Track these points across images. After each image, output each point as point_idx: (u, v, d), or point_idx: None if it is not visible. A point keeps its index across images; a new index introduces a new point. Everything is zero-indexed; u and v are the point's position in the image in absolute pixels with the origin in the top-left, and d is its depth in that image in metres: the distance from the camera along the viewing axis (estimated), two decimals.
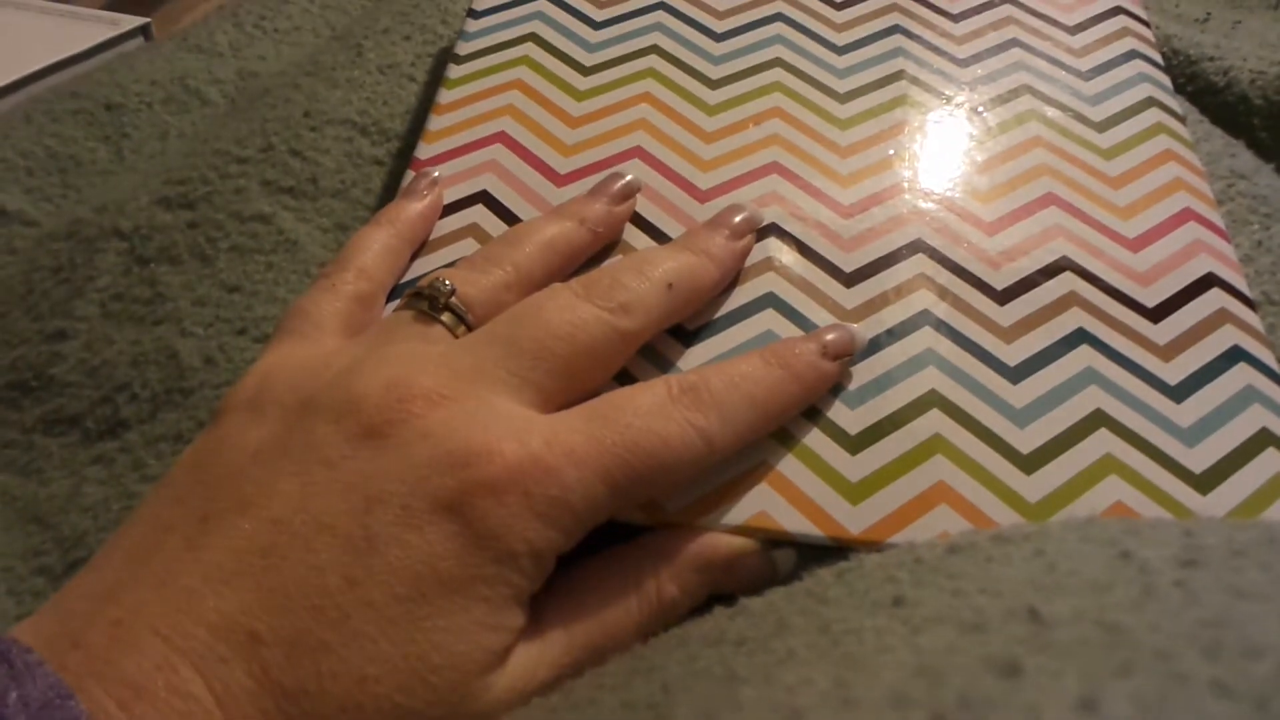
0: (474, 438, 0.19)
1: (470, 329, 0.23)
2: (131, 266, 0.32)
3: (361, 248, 0.26)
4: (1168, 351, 0.26)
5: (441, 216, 0.28)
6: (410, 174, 0.29)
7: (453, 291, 0.23)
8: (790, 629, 0.16)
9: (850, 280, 0.27)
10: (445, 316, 0.23)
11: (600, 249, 0.27)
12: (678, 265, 0.24)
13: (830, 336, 0.24)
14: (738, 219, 0.27)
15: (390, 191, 0.34)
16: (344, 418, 0.20)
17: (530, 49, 0.33)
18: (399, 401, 0.20)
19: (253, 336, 0.29)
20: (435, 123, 0.31)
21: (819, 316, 0.26)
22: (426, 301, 0.24)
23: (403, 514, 0.19)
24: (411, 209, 0.27)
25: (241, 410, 0.22)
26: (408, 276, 0.27)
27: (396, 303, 0.25)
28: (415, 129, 0.35)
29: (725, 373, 0.22)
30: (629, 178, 0.28)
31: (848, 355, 0.25)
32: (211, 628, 0.17)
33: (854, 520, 0.22)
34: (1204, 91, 0.43)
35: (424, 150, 0.30)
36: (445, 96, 0.32)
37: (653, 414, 0.21)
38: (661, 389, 0.22)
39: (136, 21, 0.56)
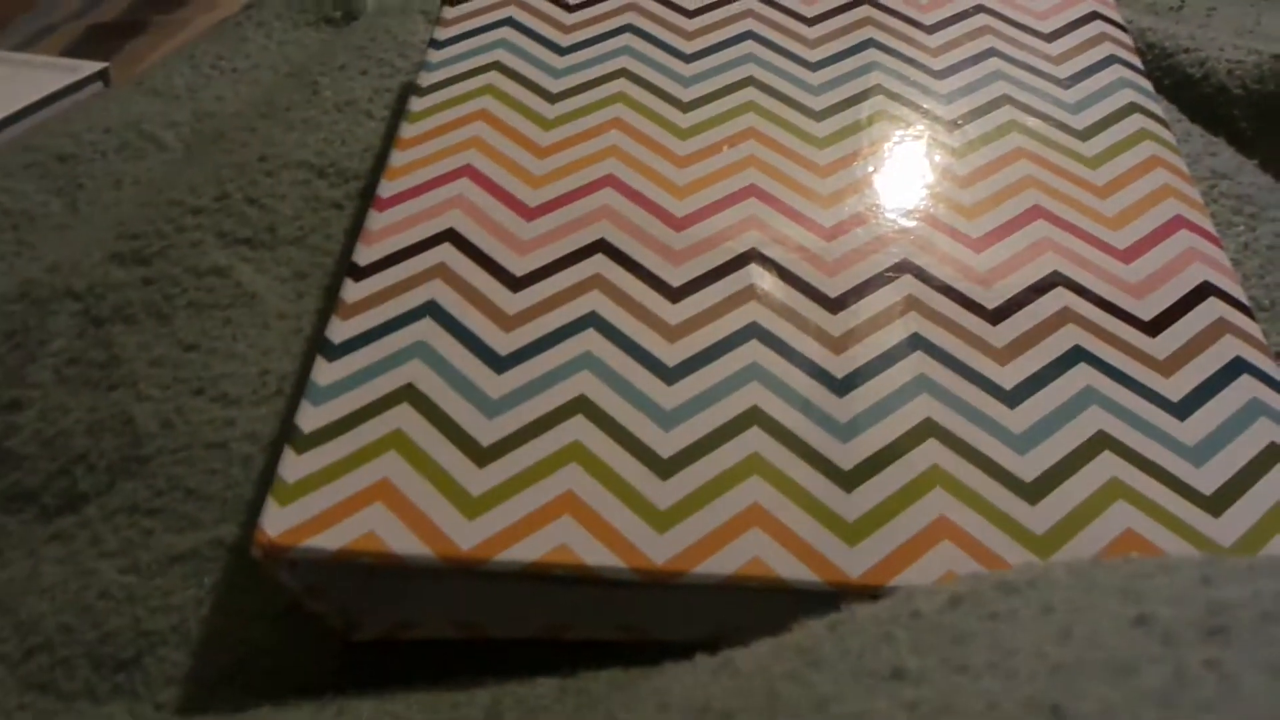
0: None
1: None
2: (86, 328, 0.31)
3: None
4: (1168, 366, 0.25)
5: (407, 257, 0.27)
6: (373, 213, 0.28)
7: None
8: (781, 702, 0.14)
9: (835, 306, 0.26)
10: None
11: None
12: None
13: None
14: None
15: (351, 236, 0.32)
16: None
17: (495, 78, 0.32)
18: None
19: (210, 396, 0.28)
20: (397, 158, 0.30)
21: (805, 346, 0.25)
22: None
23: None
24: None
25: None
26: (381, 319, 0.26)
27: None
28: (376, 168, 0.34)
29: None
30: None
31: None
32: None
33: (852, 563, 0.21)
34: (1181, 84, 0.42)
35: (386, 188, 0.29)
36: (407, 131, 0.30)
37: None
38: None
39: (94, 67, 0.55)
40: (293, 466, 0.22)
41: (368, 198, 0.33)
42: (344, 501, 0.22)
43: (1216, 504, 0.22)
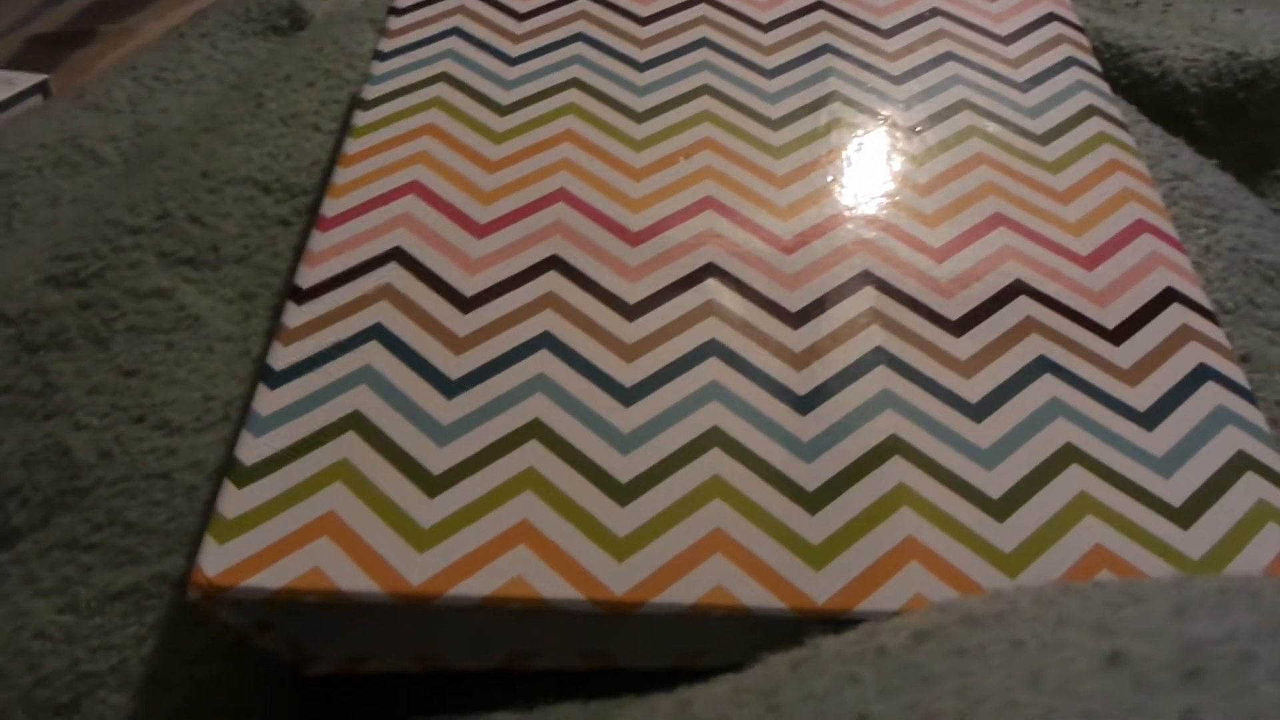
0: None
1: None
2: (20, 355, 0.29)
3: None
4: (1133, 375, 0.24)
5: (352, 279, 0.26)
6: (316, 234, 0.27)
7: None
8: None
9: (796, 321, 0.25)
10: None
11: None
12: None
13: None
14: None
15: (299, 253, 0.31)
16: None
17: (442, 90, 0.31)
18: None
19: (151, 424, 0.27)
20: (341, 175, 0.29)
21: (766, 363, 0.24)
22: None
23: None
24: None
25: None
26: (325, 344, 0.24)
27: None
28: (324, 183, 0.33)
29: None
30: None
31: None
32: None
33: (817, 588, 0.21)
34: (1139, 83, 0.42)
35: (330, 206, 0.28)
36: (352, 146, 0.29)
37: None
38: None
39: (33, 79, 0.53)
40: (232, 501, 0.21)
41: (315, 214, 0.32)
42: (287, 537, 0.21)
43: (1185, 516, 0.22)
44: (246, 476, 0.22)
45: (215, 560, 0.20)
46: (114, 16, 0.73)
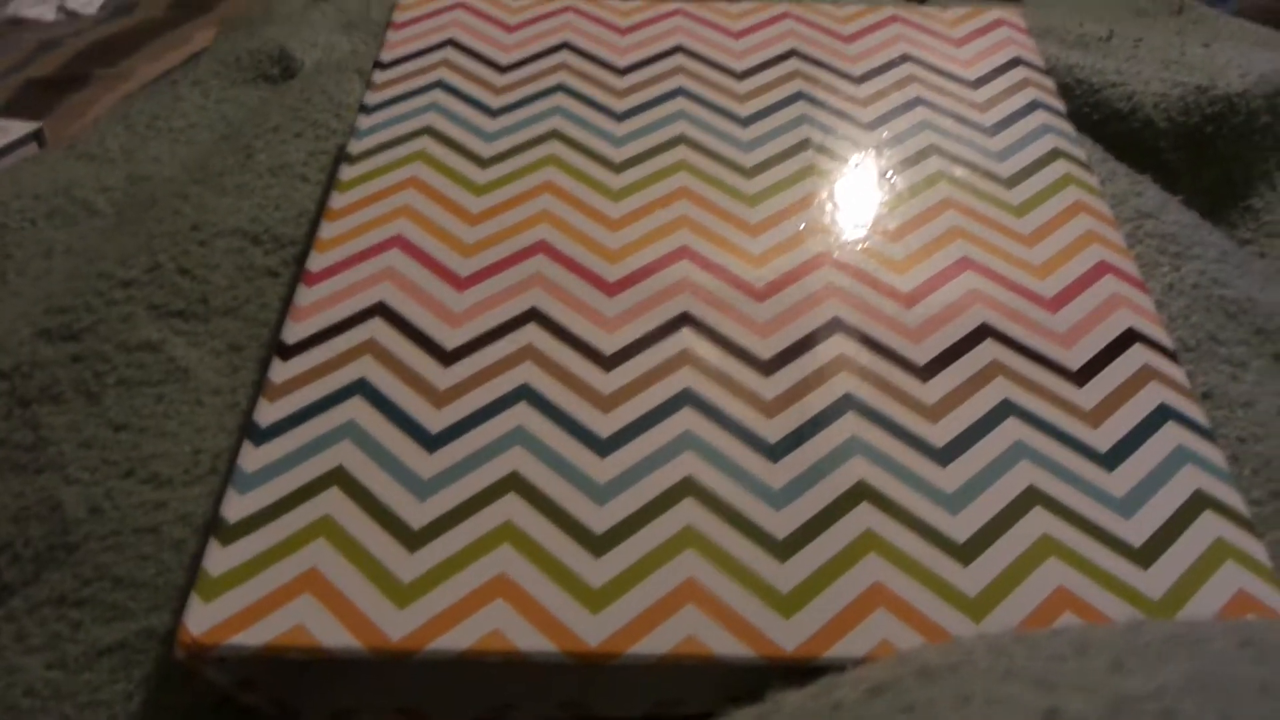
0: None
1: None
2: (12, 409, 0.30)
3: None
4: (1095, 416, 0.25)
5: (337, 334, 0.27)
6: (303, 288, 0.28)
7: None
8: None
9: (769, 368, 0.26)
10: None
11: None
12: None
13: None
14: None
15: (288, 304, 0.32)
16: None
17: (426, 143, 0.32)
18: None
19: (140, 478, 0.27)
20: (327, 230, 0.29)
21: (739, 411, 0.25)
22: None
23: None
24: None
25: None
26: (310, 399, 0.25)
27: None
28: (312, 233, 0.34)
29: None
30: None
31: None
32: None
33: (787, 636, 0.21)
34: (1110, 118, 0.43)
35: (316, 261, 0.28)
36: (337, 200, 0.30)
37: None
38: None
39: (28, 128, 0.54)
40: (218, 559, 0.22)
41: (304, 264, 0.33)
42: (271, 594, 0.21)
43: (1145, 556, 0.22)
44: (231, 534, 0.22)
45: (200, 618, 0.21)
46: (109, 60, 0.74)
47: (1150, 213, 0.33)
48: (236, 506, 0.23)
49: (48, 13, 0.76)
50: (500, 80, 0.34)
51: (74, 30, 0.77)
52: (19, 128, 0.53)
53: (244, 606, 0.21)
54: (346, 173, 0.31)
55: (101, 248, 0.35)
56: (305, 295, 0.27)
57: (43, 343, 0.31)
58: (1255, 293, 0.32)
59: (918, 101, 0.34)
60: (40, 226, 0.39)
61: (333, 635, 0.21)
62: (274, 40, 0.47)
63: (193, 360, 0.30)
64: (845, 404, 0.25)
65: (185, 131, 0.44)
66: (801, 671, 0.21)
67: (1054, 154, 0.32)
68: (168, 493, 0.27)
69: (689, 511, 0.23)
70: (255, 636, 0.21)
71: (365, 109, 0.33)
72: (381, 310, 0.27)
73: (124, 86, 0.71)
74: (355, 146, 0.32)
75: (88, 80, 0.70)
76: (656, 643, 0.21)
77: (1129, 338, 0.27)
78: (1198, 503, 0.23)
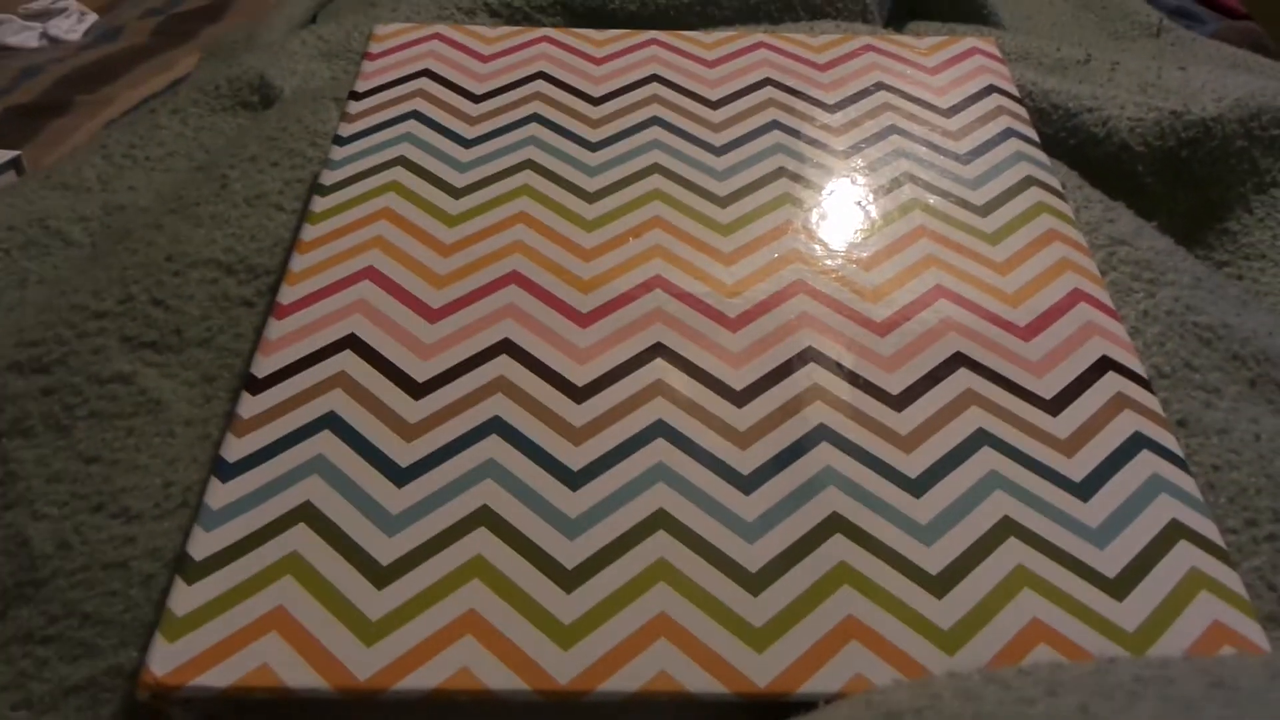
0: None
1: None
2: None
3: None
4: (1069, 446, 0.25)
5: (307, 367, 0.26)
6: (273, 321, 0.27)
7: None
8: None
9: (741, 399, 0.26)
10: None
11: None
12: None
13: None
14: None
15: (260, 334, 0.32)
16: None
17: (399, 174, 0.32)
18: None
19: (110, 512, 0.27)
20: (299, 261, 0.29)
21: (712, 442, 0.25)
22: None
23: None
24: None
25: None
26: (279, 434, 0.25)
27: None
28: (285, 264, 0.34)
29: None
30: None
31: None
32: None
33: (760, 671, 0.21)
34: (1086, 143, 0.44)
35: (287, 294, 0.28)
36: (309, 232, 0.30)
37: None
38: None
39: (5, 156, 0.54)
40: (183, 597, 0.22)
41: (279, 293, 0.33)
42: (237, 633, 0.21)
43: (1120, 587, 0.22)
44: (197, 572, 0.22)
45: (165, 659, 0.21)
46: (90, 87, 0.74)
47: (1124, 239, 0.33)
48: (202, 544, 0.22)
49: (31, 40, 0.76)
50: (475, 110, 0.34)
51: (57, 57, 0.77)
52: None
53: (209, 646, 0.21)
54: (319, 204, 0.31)
55: (75, 279, 0.35)
56: (275, 329, 0.27)
57: (13, 375, 0.31)
58: (1230, 318, 0.32)
59: (892, 130, 0.34)
60: (14, 257, 0.38)
61: (299, 675, 0.20)
62: (254, 68, 0.47)
63: (165, 391, 0.30)
64: (819, 434, 0.25)
65: (163, 160, 0.44)
66: (774, 707, 0.21)
67: (1027, 181, 0.32)
68: (137, 527, 0.27)
69: (661, 544, 0.23)
70: (220, 677, 0.20)
71: (339, 140, 0.33)
72: (352, 343, 0.27)
73: (105, 113, 0.71)
74: (328, 177, 0.32)
75: (69, 107, 0.70)
76: (628, 679, 0.21)
77: (1102, 365, 0.27)
78: (1172, 533, 0.23)
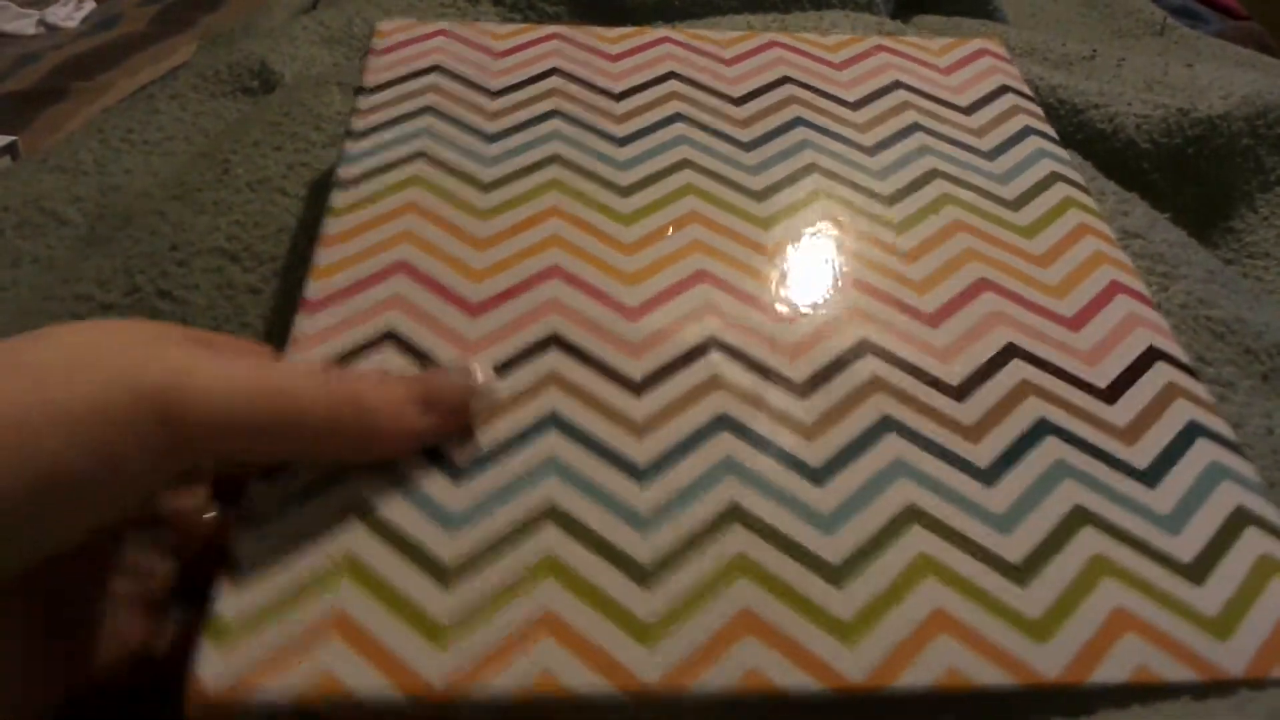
0: None
1: None
2: None
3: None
4: (1130, 434, 0.25)
5: (347, 363, 0.25)
6: (301, 318, 0.26)
7: None
8: None
9: (803, 391, 0.25)
10: None
11: None
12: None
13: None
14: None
15: (268, 322, 0.31)
16: None
17: (422, 168, 0.31)
18: None
19: None
20: (323, 256, 0.28)
21: (777, 434, 0.24)
22: None
23: None
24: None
25: None
26: None
27: None
28: (293, 249, 0.33)
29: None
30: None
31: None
32: None
33: (851, 666, 0.20)
34: (1093, 139, 0.43)
35: (314, 289, 0.27)
36: (332, 226, 0.29)
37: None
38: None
39: (2, 140, 0.53)
40: (231, 600, 0.20)
41: (286, 279, 0.33)
42: (294, 639, 0.20)
43: (1197, 572, 0.22)
44: (244, 572, 0.21)
45: (215, 668, 0.19)
46: (87, 74, 0.73)
47: (1138, 232, 0.33)
48: (246, 543, 0.21)
49: (28, 26, 0.75)
50: (492, 105, 0.33)
51: (54, 44, 0.76)
52: None
53: (265, 654, 0.19)
54: (339, 199, 0.30)
55: (78, 266, 0.35)
56: (306, 324, 0.26)
57: None
58: (1244, 312, 0.32)
59: (915, 127, 0.33)
60: (9, 237, 0.38)
61: (368, 683, 0.19)
62: (254, 53, 0.47)
63: None
64: (885, 426, 0.25)
65: (160, 145, 0.44)
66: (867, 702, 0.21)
67: (1053, 177, 0.32)
68: None
69: (740, 539, 0.22)
70: (281, 690, 0.19)
71: (353, 134, 0.32)
72: (392, 339, 0.26)
73: (102, 100, 0.70)
74: (346, 172, 0.31)
75: (65, 93, 0.70)
76: (719, 677, 0.20)
77: (1151, 356, 0.27)
78: (1240, 519, 0.23)
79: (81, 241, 0.38)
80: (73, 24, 0.77)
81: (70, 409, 0.17)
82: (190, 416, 0.18)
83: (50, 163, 0.42)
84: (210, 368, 0.19)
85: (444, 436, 0.23)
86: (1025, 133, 0.34)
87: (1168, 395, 0.26)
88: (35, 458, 0.17)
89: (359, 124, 0.32)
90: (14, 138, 0.52)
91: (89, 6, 0.78)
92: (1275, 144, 0.44)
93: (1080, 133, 0.44)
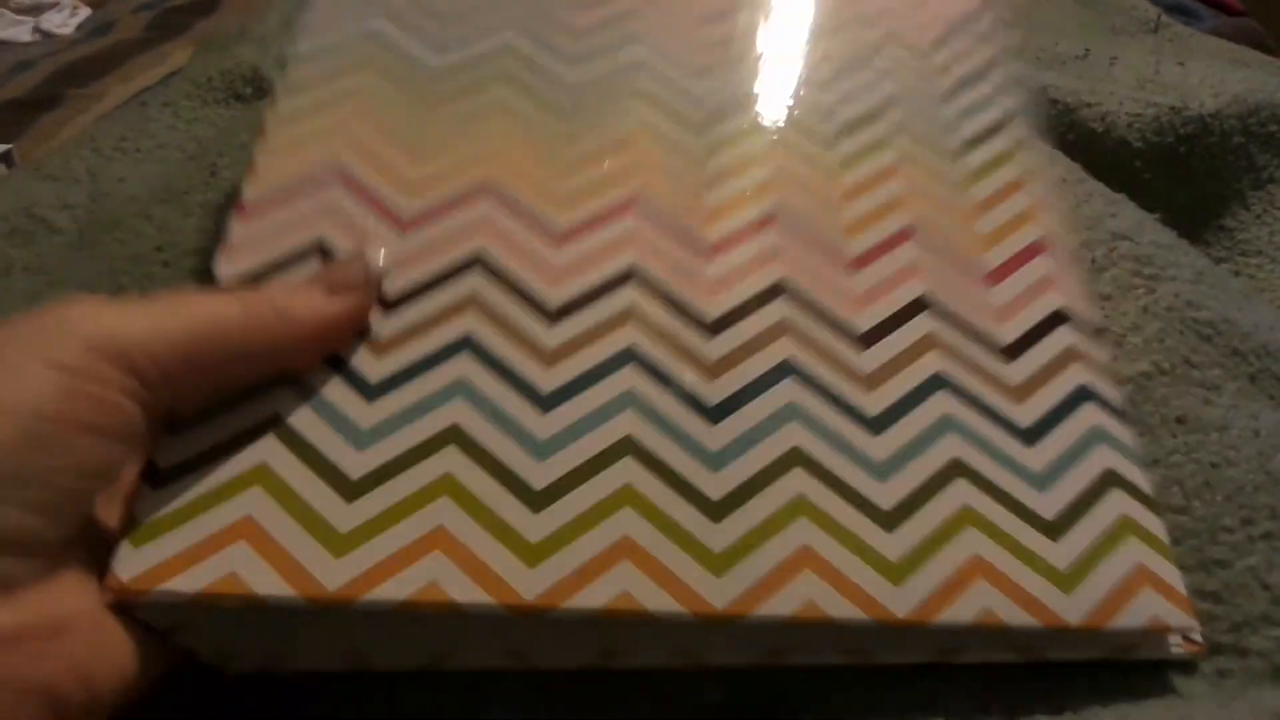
0: None
1: None
2: None
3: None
4: (1019, 393, 0.25)
5: (275, 271, 0.25)
6: (235, 224, 0.26)
7: None
8: None
9: (713, 330, 0.26)
10: None
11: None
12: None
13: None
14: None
15: None
16: None
17: (373, 52, 0.30)
18: None
19: None
20: (263, 163, 0.27)
21: (682, 371, 0.25)
22: None
23: None
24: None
25: None
26: None
27: None
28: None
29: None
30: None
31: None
32: None
33: (718, 594, 0.21)
34: (1085, 138, 0.43)
35: (252, 192, 0.26)
36: (276, 134, 0.28)
37: None
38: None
39: None
40: (149, 503, 0.21)
41: None
42: (204, 540, 0.21)
43: (1055, 529, 0.23)
44: (164, 478, 0.22)
45: (130, 564, 0.20)
46: (82, 81, 0.73)
47: (1125, 234, 0.33)
48: (169, 451, 0.22)
49: (23, 34, 0.76)
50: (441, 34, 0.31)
51: (49, 51, 0.76)
52: None
53: (175, 553, 0.21)
54: (285, 84, 0.29)
55: (64, 270, 0.35)
56: (238, 231, 0.26)
57: None
58: (1232, 313, 0.31)
59: (881, 69, 0.32)
60: (0, 245, 0.38)
61: (268, 584, 0.20)
62: (246, 60, 0.47)
63: None
64: (783, 369, 0.25)
65: (153, 152, 0.44)
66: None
67: (1002, 122, 0.31)
68: None
69: (628, 470, 0.23)
70: (187, 583, 0.20)
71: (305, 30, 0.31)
72: (320, 250, 0.26)
73: (97, 107, 0.71)
74: (294, 70, 0.30)
75: (60, 101, 0.70)
76: (592, 597, 0.21)
77: (1058, 318, 0.27)
78: (1107, 481, 0.24)
79: (72, 249, 0.38)
80: (67, 31, 0.77)
81: (32, 370, 0.18)
82: (142, 358, 0.20)
83: (43, 171, 0.42)
84: (138, 311, 0.20)
85: (357, 318, 0.24)
86: (988, 68, 0.33)
87: (1066, 358, 0.26)
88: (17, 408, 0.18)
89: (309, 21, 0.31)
90: (9, 146, 0.52)
91: (84, 13, 0.78)
92: (1267, 141, 0.44)
93: (1072, 132, 0.43)
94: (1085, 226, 0.34)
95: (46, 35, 0.77)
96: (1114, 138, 0.43)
